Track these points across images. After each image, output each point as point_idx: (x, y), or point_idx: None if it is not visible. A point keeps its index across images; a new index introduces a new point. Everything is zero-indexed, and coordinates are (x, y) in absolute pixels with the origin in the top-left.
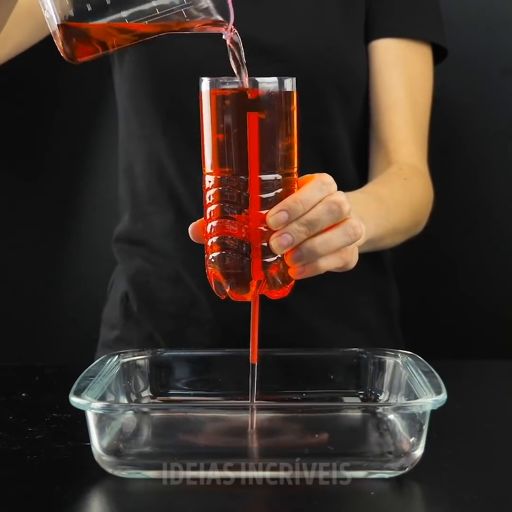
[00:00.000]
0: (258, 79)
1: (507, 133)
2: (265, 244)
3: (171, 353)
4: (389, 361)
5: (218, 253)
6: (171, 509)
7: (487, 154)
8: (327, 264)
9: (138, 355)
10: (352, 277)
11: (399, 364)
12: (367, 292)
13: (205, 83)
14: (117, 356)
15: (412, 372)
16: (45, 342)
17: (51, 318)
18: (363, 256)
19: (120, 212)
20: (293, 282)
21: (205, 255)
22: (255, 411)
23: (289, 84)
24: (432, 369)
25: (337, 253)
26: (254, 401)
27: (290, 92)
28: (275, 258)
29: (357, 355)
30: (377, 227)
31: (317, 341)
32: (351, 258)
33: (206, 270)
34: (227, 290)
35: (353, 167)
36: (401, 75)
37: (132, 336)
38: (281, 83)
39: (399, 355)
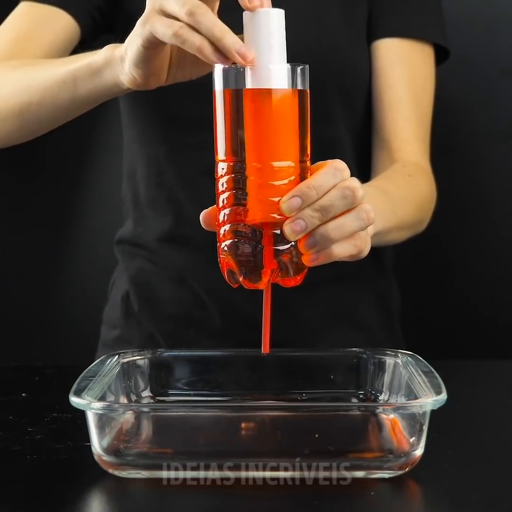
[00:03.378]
0: (270, 66)
1: (507, 133)
2: (278, 231)
3: (171, 353)
4: (389, 361)
5: (231, 240)
6: (171, 509)
7: (487, 154)
8: (341, 250)
9: (138, 355)
10: (352, 277)
11: (399, 364)
12: (367, 292)
13: (217, 69)
14: (117, 356)
15: (412, 372)
16: (45, 342)
17: (52, 318)
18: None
19: (124, 215)
20: (306, 270)
21: (218, 244)
22: (256, 411)
23: (301, 71)
24: (432, 369)
25: (351, 239)
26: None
27: (302, 79)
28: (288, 245)
29: (357, 355)
30: (384, 221)
31: (317, 341)
32: (365, 246)
33: (218, 259)
34: (240, 279)
35: (355, 167)
36: (404, 74)
37: (132, 336)
38: (293, 70)
39: (399, 355)
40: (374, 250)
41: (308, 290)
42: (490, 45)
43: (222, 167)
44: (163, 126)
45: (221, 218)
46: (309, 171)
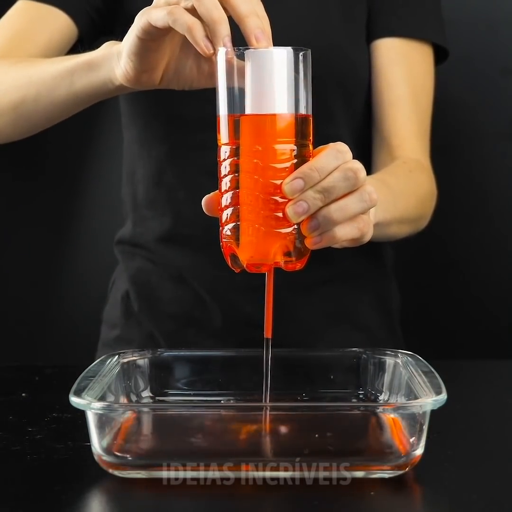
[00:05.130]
0: (272, 48)
1: (507, 133)
2: (281, 214)
3: (171, 353)
4: (389, 361)
5: (234, 223)
6: (171, 509)
7: (487, 154)
8: (344, 233)
9: (138, 355)
10: (352, 277)
11: (399, 364)
12: (367, 292)
13: (221, 52)
14: (117, 356)
15: (412, 372)
16: (45, 342)
17: (52, 318)
18: (363, 256)
19: (124, 216)
20: (308, 254)
21: (220, 228)
22: (256, 411)
23: (303, 55)
24: (432, 369)
25: (353, 222)
26: (269, 379)
27: (305, 63)
28: (291, 229)
29: (357, 355)
30: (385, 212)
31: (317, 341)
32: (367, 229)
33: (221, 244)
34: (244, 264)
35: None
36: (404, 72)
37: (132, 336)
38: (295, 54)
39: (399, 355)
40: (374, 250)
41: (308, 290)
42: (490, 45)
43: (225, 151)
44: (163, 126)
45: (223, 202)
46: (311, 155)
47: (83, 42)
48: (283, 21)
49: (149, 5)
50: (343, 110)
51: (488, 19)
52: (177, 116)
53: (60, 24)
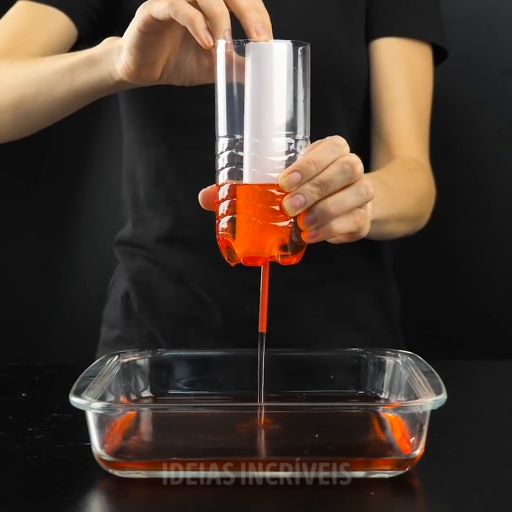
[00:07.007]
0: (272, 41)
1: (507, 133)
2: (278, 207)
3: (171, 353)
4: (389, 361)
5: (230, 216)
6: (171, 509)
7: (487, 154)
8: (340, 227)
9: (138, 355)
10: (352, 277)
11: (399, 364)
12: (367, 292)
13: (220, 45)
14: (117, 356)
15: (412, 372)
16: (45, 342)
17: (52, 318)
18: (363, 256)
19: (124, 216)
20: (304, 249)
21: (216, 221)
22: (256, 411)
23: (302, 49)
24: (432, 369)
25: (350, 216)
26: (263, 376)
27: (304, 57)
28: (287, 222)
29: (357, 355)
30: (383, 209)
31: (317, 341)
32: (364, 223)
33: (217, 237)
34: (240, 257)
35: None
36: (403, 72)
37: (132, 336)
38: (295, 48)
39: (399, 355)
40: (373, 249)
41: (308, 290)
42: (490, 45)
43: (222, 143)
44: (162, 126)
45: (220, 195)
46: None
47: (83, 43)
48: (281, 20)
49: None
50: (341, 110)
51: (488, 19)
52: (176, 116)
53: (59, 24)
